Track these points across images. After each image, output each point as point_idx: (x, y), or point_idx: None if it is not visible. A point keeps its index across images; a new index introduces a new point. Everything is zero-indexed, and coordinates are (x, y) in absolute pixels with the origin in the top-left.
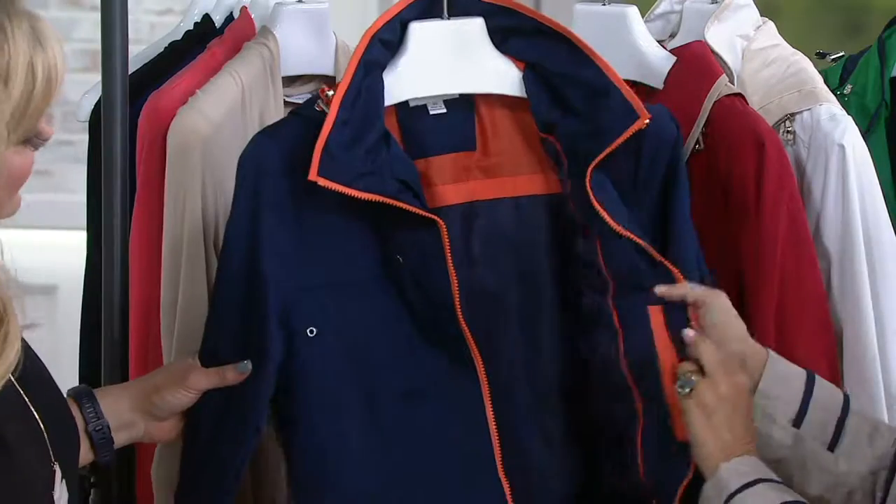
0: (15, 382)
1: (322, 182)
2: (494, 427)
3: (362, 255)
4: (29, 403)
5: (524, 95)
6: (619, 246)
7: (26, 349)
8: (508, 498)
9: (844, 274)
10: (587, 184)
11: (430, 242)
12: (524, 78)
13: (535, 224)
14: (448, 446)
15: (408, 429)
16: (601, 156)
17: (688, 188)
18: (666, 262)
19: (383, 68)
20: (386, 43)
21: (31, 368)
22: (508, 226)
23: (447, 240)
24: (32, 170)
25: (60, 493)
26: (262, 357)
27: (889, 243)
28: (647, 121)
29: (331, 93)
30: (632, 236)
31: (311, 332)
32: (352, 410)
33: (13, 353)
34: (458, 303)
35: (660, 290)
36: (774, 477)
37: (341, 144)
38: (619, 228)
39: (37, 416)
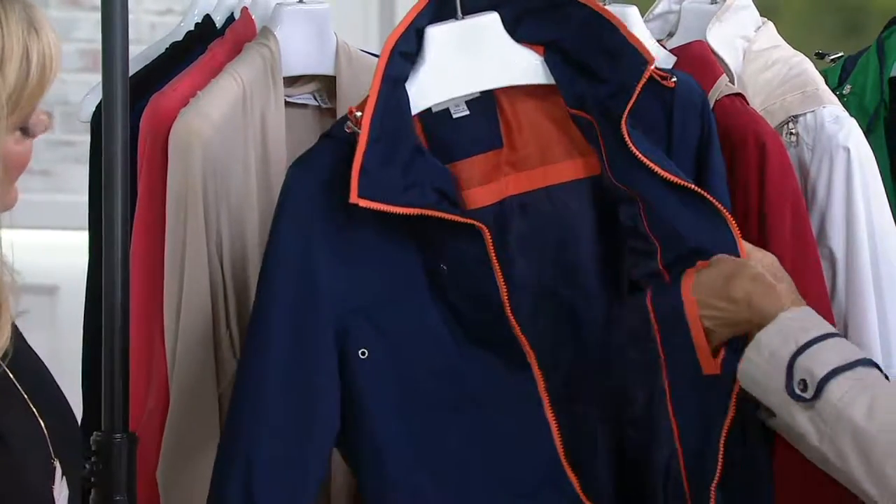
0: (14, 380)
1: (363, 203)
2: (555, 424)
3: (405, 269)
4: (28, 401)
5: (548, 81)
6: (665, 204)
7: (25, 347)
8: (579, 491)
9: (849, 275)
10: (625, 135)
11: (474, 249)
12: (546, 61)
13: (572, 210)
14: (511, 448)
15: (466, 435)
16: (628, 107)
17: (720, 151)
18: (717, 203)
19: (406, 79)
20: (405, 55)
21: (30, 366)
22: (545, 217)
23: (491, 245)
24: (32, 163)
25: (61, 490)
26: (322, 395)
27: (893, 244)
28: (664, 74)
29: (359, 113)
30: (676, 179)
31: (363, 353)
32: (412, 428)
33: (2, 339)
34: (507, 305)
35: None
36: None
37: (377, 163)
38: (662, 171)
39: (36, 414)
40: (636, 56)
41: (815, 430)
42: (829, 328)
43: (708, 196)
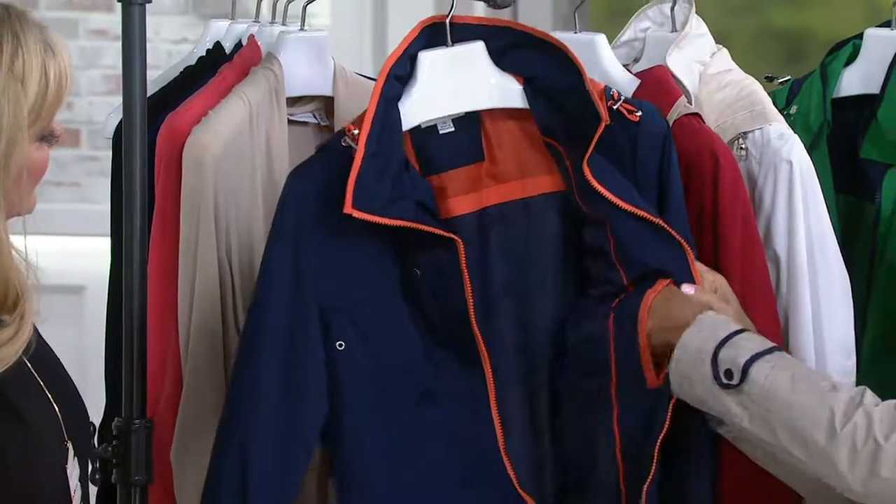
0: (31, 367)
1: (357, 214)
2: (498, 419)
3: (385, 272)
4: (44, 388)
5: (526, 106)
6: (627, 231)
7: (41, 341)
8: (517, 486)
9: (790, 274)
10: (587, 175)
11: (448, 259)
12: (524, 90)
13: (546, 221)
14: (458, 440)
15: (423, 429)
16: (587, 156)
17: (679, 173)
18: (674, 233)
19: (399, 99)
20: (399, 77)
21: (45, 358)
22: (521, 226)
23: (464, 256)
24: (62, 176)
25: (73, 469)
26: (312, 383)
27: (831, 248)
28: (631, 108)
29: (356, 131)
30: (637, 210)
31: (341, 345)
32: (376, 416)
33: (27, 332)
34: (472, 312)
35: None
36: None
37: (371, 177)
38: (624, 204)
39: (51, 399)
40: (594, 109)
41: (744, 412)
42: (740, 326)
43: (667, 227)
